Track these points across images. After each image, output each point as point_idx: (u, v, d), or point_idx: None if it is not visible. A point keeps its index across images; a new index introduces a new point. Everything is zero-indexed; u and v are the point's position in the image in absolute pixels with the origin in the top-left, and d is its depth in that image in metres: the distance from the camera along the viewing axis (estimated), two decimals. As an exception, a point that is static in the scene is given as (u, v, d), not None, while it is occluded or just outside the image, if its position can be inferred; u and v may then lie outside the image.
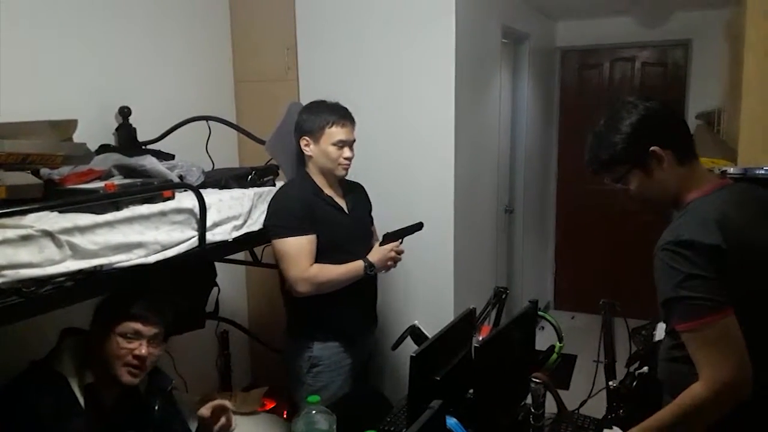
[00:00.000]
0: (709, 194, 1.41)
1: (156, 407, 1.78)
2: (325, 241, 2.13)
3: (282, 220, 2.12)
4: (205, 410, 1.69)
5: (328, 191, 2.22)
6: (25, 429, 1.54)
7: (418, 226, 2.26)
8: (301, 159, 2.27)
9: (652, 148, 1.40)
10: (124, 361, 1.66)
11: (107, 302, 1.74)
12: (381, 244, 2.19)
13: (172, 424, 1.82)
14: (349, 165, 2.20)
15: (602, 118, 1.49)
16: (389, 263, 2.21)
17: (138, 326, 1.68)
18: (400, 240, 2.20)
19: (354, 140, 2.21)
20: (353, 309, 2.24)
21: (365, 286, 2.25)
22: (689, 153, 1.45)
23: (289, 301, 2.27)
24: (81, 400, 1.62)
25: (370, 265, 2.15)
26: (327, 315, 2.18)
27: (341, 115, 2.17)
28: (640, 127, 1.42)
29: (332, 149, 2.15)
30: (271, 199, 2.20)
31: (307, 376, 2.20)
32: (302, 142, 2.19)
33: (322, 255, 2.13)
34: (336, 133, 2.14)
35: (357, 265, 2.15)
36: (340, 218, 2.22)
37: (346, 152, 2.17)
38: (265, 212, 2.19)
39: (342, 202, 2.26)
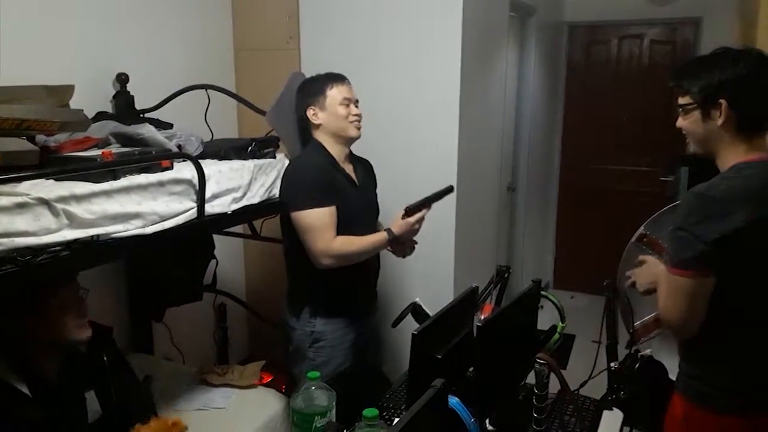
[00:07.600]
0: (755, 161, 1.43)
1: (105, 359, 1.75)
2: (339, 215, 2.08)
3: (304, 191, 2.06)
4: None
5: (342, 163, 2.18)
6: None
7: (449, 190, 2.14)
8: (305, 133, 2.23)
9: (721, 100, 1.42)
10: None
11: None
12: (403, 217, 2.08)
13: (123, 373, 1.82)
14: (360, 123, 2.17)
15: (719, 49, 1.49)
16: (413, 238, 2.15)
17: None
18: (426, 209, 2.10)
19: (357, 99, 2.18)
20: (357, 285, 2.22)
21: (369, 262, 2.22)
22: (754, 128, 1.46)
23: (293, 275, 2.25)
24: (26, 390, 1.56)
25: (393, 238, 2.08)
26: (331, 290, 2.15)
27: (337, 76, 2.16)
28: (727, 83, 1.42)
29: (341, 108, 2.12)
30: (287, 170, 2.16)
31: (309, 350, 2.18)
32: (309, 113, 2.15)
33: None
34: (339, 92, 2.13)
35: (381, 237, 2.09)
36: (353, 191, 2.19)
37: (354, 109, 2.15)
38: (281, 184, 2.15)
39: (353, 176, 2.23)
